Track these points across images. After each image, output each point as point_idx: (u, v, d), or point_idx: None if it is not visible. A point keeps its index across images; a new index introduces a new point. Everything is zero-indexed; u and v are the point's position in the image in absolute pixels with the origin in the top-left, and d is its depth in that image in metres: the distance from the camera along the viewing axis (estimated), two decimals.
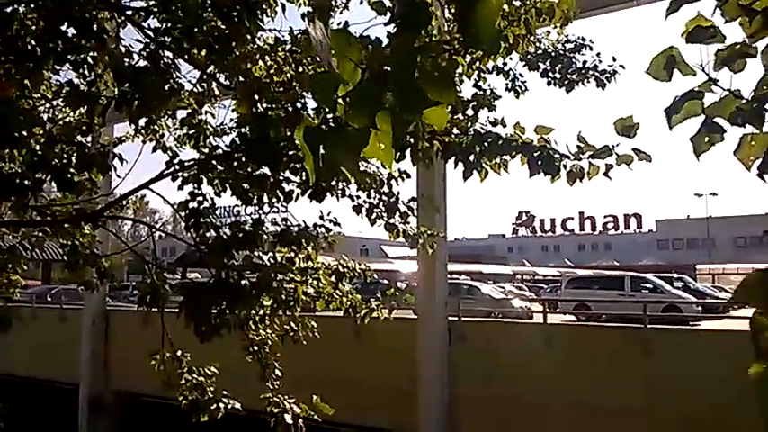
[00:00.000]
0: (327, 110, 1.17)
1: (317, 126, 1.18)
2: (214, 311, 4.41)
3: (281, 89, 4.66)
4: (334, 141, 1.16)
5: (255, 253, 4.87)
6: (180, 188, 4.76)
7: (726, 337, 9.74)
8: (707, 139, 1.54)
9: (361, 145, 1.16)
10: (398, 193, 5.11)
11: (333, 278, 5.38)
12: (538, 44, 7.02)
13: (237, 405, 5.12)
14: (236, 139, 4.56)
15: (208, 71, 4.53)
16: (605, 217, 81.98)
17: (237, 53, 4.21)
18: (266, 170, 4.47)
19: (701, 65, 1.48)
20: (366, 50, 1.15)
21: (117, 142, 6.49)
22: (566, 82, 7.57)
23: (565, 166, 3.71)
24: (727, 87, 1.47)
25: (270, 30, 4.80)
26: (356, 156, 1.18)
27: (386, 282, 23.02)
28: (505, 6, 4.03)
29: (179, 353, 5.24)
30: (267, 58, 4.78)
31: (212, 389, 5.11)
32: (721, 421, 8.96)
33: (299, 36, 4.88)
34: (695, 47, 1.50)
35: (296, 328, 5.34)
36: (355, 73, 1.14)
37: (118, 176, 5.16)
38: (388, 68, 1.13)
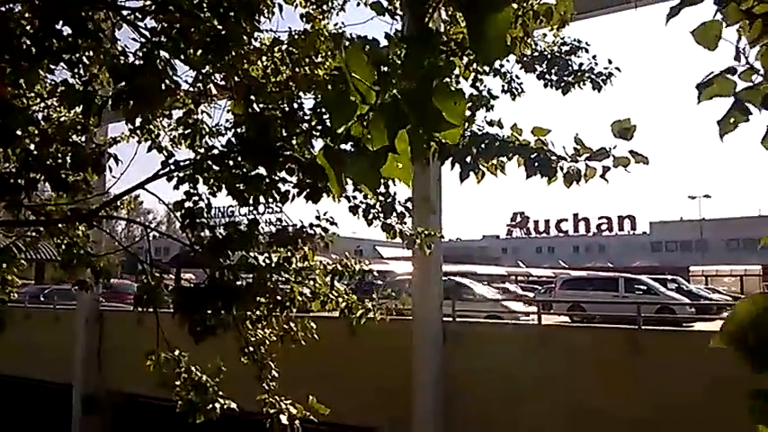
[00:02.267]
0: (340, 130, 1.18)
1: (337, 146, 1.20)
2: (209, 312, 4.40)
3: (278, 89, 4.66)
4: (355, 162, 1.19)
5: (251, 253, 4.86)
6: (175, 188, 4.74)
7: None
8: (732, 119, 1.51)
9: (381, 164, 1.18)
10: (395, 193, 5.11)
11: (329, 278, 5.38)
12: (534, 46, 7.03)
13: (234, 405, 5.11)
14: (233, 139, 4.55)
15: (204, 71, 4.52)
16: (599, 218, 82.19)
17: (234, 53, 4.20)
18: (262, 170, 4.46)
19: (743, 49, 1.45)
20: (378, 61, 1.15)
21: (112, 142, 6.46)
22: (562, 84, 7.59)
23: (561, 168, 3.71)
24: (762, 73, 1.45)
25: (267, 30, 4.79)
26: (377, 174, 1.20)
27: (380, 282, 23.05)
28: None
29: (177, 352, 5.22)
30: (264, 58, 4.78)
31: (215, 387, 5.10)
32: (712, 421, 8.99)
33: (296, 36, 4.88)
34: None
35: (294, 329, 5.34)
36: (370, 93, 1.15)
37: (113, 176, 5.15)
38: (404, 90, 1.14)
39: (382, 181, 4.97)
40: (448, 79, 1.22)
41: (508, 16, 1.09)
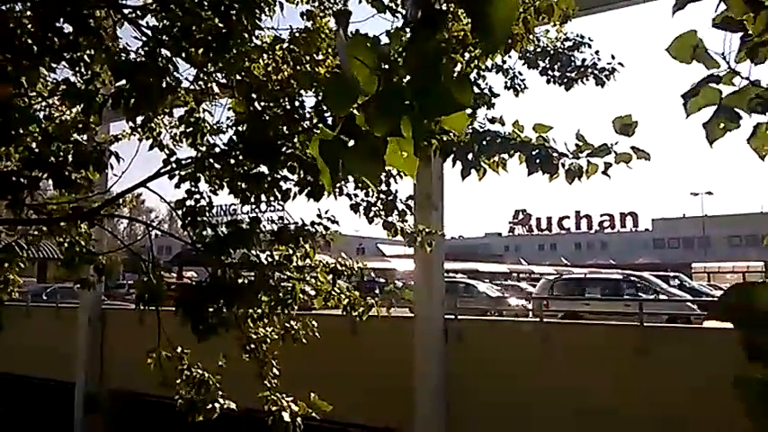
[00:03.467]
0: (340, 118, 1.12)
1: (335, 137, 1.13)
2: (211, 310, 4.40)
3: (279, 87, 4.65)
4: (355, 152, 1.12)
5: (253, 251, 4.86)
6: (177, 186, 4.74)
7: (720, 334, 9.80)
8: (721, 125, 1.49)
9: (383, 153, 1.11)
10: (396, 191, 5.11)
11: (330, 276, 5.37)
12: (537, 42, 7.01)
13: (233, 405, 5.10)
14: (234, 138, 4.55)
15: (205, 69, 4.51)
16: (601, 216, 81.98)
17: (235, 51, 4.19)
18: (264, 168, 4.46)
19: (723, 54, 1.44)
20: (381, 54, 1.10)
21: (113, 140, 6.46)
22: (565, 80, 7.58)
23: (563, 165, 3.70)
24: (745, 76, 1.44)
25: (268, 28, 4.78)
26: (380, 165, 1.13)
27: (382, 280, 23.06)
28: None
29: (179, 350, 5.22)
30: (265, 56, 4.77)
31: (217, 385, 5.10)
32: (712, 420, 8.98)
33: (297, 34, 4.87)
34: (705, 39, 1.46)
35: (296, 327, 5.33)
36: (372, 79, 1.10)
37: (114, 175, 5.15)
38: (409, 72, 1.09)
39: (383, 178, 4.98)
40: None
41: (515, 1, 1.06)
